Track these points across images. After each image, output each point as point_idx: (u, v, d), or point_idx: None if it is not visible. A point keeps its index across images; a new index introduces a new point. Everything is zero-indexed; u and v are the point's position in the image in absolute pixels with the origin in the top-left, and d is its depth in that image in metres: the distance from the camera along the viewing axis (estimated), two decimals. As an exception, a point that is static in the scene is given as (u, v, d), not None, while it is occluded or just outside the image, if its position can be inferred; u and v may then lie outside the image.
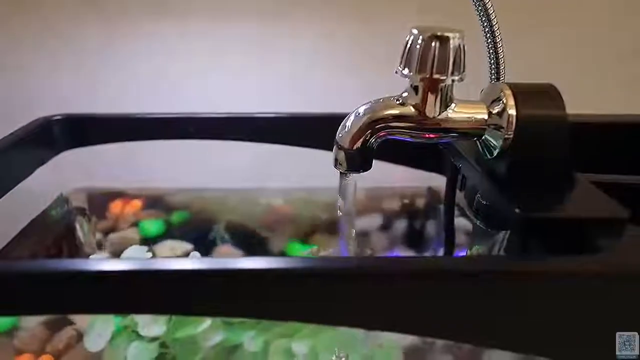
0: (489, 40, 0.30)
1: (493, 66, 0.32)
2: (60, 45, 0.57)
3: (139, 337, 0.28)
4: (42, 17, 0.56)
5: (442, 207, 0.47)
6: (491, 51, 0.31)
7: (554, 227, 0.23)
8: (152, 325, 0.28)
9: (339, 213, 0.27)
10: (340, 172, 0.26)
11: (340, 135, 0.25)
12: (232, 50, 0.59)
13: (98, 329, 0.28)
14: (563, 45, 0.55)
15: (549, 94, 0.24)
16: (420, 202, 0.53)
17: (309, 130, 0.44)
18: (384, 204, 0.53)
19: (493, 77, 0.32)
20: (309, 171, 0.49)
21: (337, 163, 0.26)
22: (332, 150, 0.41)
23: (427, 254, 0.50)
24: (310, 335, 0.32)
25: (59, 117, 0.39)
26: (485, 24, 0.29)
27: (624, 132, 0.31)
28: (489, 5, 0.29)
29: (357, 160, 0.25)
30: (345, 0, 0.57)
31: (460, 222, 0.41)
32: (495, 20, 0.30)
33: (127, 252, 0.35)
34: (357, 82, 0.58)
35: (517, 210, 0.23)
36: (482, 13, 0.29)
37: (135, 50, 0.58)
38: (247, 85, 0.59)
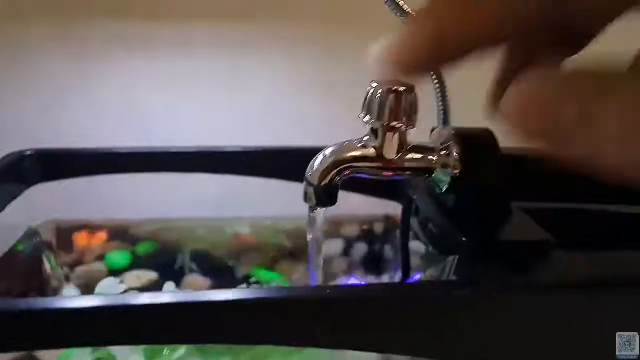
0: (438, 91, 0.34)
1: (441, 108, 0.36)
2: (22, 72, 0.57)
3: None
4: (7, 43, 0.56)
5: (397, 232, 0.51)
6: (439, 99, 0.35)
7: (494, 250, 0.27)
8: (129, 355, 0.29)
9: (308, 243, 0.30)
10: (309, 206, 0.29)
11: (309, 173, 0.28)
12: (200, 81, 0.61)
13: (75, 361, 0.29)
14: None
15: (487, 137, 0.29)
16: (379, 228, 0.56)
17: (275, 162, 0.46)
18: (344, 230, 0.56)
19: (441, 119, 0.37)
20: (275, 201, 0.51)
21: (306, 198, 0.29)
22: (295, 181, 0.44)
23: (385, 276, 0.53)
24: (282, 357, 0.34)
25: (30, 152, 0.40)
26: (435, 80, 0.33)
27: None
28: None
29: (323, 196, 0.28)
30: (311, 31, 0.61)
31: (414, 246, 0.44)
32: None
33: (100, 286, 0.36)
34: (323, 113, 0.62)
35: (463, 239, 0.27)
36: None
37: (102, 80, 0.59)
38: (216, 115, 0.61)
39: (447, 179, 0.28)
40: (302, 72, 0.62)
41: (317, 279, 0.30)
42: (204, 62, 0.60)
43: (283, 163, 0.45)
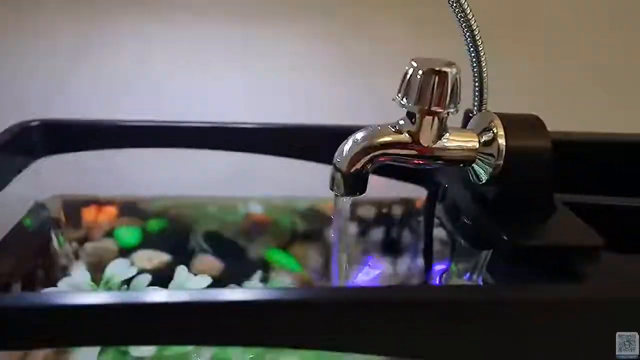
0: (475, 68, 0.31)
1: (477, 93, 0.33)
2: (31, 43, 0.55)
3: (129, 356, 0.28)
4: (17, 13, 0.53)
5: (417, 217, 0.48)
6: (476, 79, 0.32)
7: (538, 254, 0.24)
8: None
9: (334, 235, 0.28)
10: (336, 195, 0.27)
11: (338, 159, 0.26)
12: (215, 52, 0.58)
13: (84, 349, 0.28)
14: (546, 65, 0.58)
15: (534, 124, 0.26)
16: (397, 211, 0.54)
17: (290, 141, 0.44)
18: (361, 212, 0.54)
19: (476, 102, 0.34)
20: (288, 180, 0.49)
21: (333, 185, 0.27)
22: (311, 160, 0.41)
23: (403, 262, 0.51)
24: (297, 351, 0.33)
25: (37, 123, 0.37)
26: (473, 54, 0.30)
27: (603, 151, 0.33)
28: (477, 34, 0.30)
29: (353, 184, 0.26)
30: (330, 4, 0.57)
31: (438, 233, 0.42)
32: (482, 47, 0.31)
33: (111, 267, 0.34)
34: (341, 90, 0.59)
35: (505, 238, 0.24)
36: (470, 44, 0.30)
37: (115, 51, 0.56)
38: (230, 88, 0.59)
39: (489, 170, 0.26)
40: (319, 47, 0.59)
41: (341, 273, 0.28)
42: (218, 32, 0.57)
43: (297, 142, 0.43)
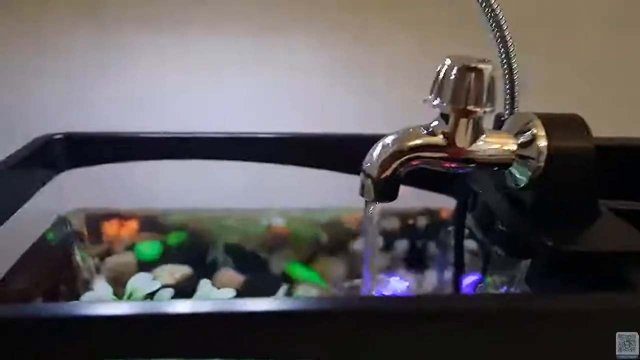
0: (505, 68, 0.30)
1: (508, 94, 0.32)
2: (49, 57, 0.55)
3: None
4: (34, 28, 0.54)
5: (448, 228, 0.47)
6: (507, 78, 0.31)
7: (585, 261, 0.23)
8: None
9: (365, 243, 0.27)
10: (366, 201, 0.26)
11: (368, 164, 0.25)
12: (228, 63, 0.58)
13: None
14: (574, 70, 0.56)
15: (577, 125, 0.25)
16: (421, 222, 0.53)
17: (309, 150, 0.43)
18: (385, 224, 0.53)
19: (507, 104, 0.32)
20: (309, 191, 0.48)
21: (363, 192, 0.25)
22: (332, 170, 0.40)
23: (431, 275, 0.50)
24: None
25: (60, 136, 0.37)
26: (503, 54, 0.29)
27: None
28: (507, 34, 0.29)
29: (384, 190, 0.25)
30: (342, 16, 0.57)
31: (468, 244, 0.40)
32: (512, 47, 0.30)
33: (133, 281, 0.33)
34: (352, 100, 0.58)
35: (549, 244, 0.23)
36: (500, 42, 0.29)
37: (129, 64, 0.56)
38: (243, 100, 0.59)
39: (528, 173, 0.24)
40: (332, 57, 0.58)
41: (374, 281, 0.26)
42: (231, 46, 0.57)
43: (317, 151, 0.42)
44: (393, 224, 0.53)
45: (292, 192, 0.50)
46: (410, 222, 0.51)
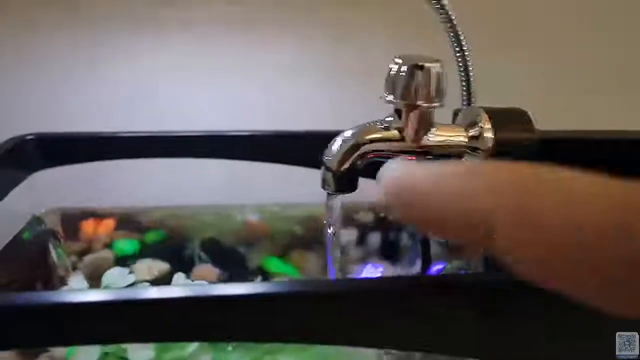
0: (461, 65, 0.32)
1: (464, 89, 0.34)
2: (29, 55, 0.56)
3: (126, 362, 0.28)
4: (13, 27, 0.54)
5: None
6: (462, 75, 0.33)
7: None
8: (140, 350, 0.28)
9: (326, 232, 0.28)
10: (328, 193, 0.27)
11: (327, 157, 0.26)
12: (209, 64, 0.59)
13: (81, 357, 0.28)
14: (530, 64, 0.58)
15: (521, 117, 0.26)
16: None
17: (284, 148, 0.44)
18: (358, 217, 0.54)
19: (464, 99, 0.34)
20: (283, 187, 0.49)
21: (324, 184, 0.27)
22: (306, 167, 0.42)
23: (405, 266, 0.51)
24: (295, 352, 0.33)
25: (32, 137, 0.38)
26: (458, 52, 0.31)
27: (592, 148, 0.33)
28: (461, 35, 0.31)
29: (344, 182, 0.26)
30: (325, 14, 0.58)
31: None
32: (466, 46, 0.32)
33: (108, 275, 0.34)
34: (333, 96, 0.59)
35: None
36: (454, 42, 0.31)
37: (111, 64, 0.57)
38: (224, 99, 0.59)
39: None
40: (313, 56, 0.59)
41: (336, 271, 0.28)
42: (213, 45, 0.58)
43: (291, 148, 0.44)
44: (367, 217, 0.55)
45: (268, 188, 0.51)
46: (383, 214, 0.53)
